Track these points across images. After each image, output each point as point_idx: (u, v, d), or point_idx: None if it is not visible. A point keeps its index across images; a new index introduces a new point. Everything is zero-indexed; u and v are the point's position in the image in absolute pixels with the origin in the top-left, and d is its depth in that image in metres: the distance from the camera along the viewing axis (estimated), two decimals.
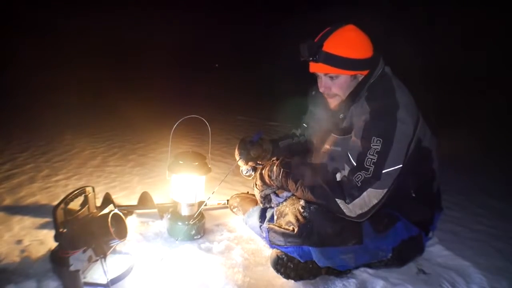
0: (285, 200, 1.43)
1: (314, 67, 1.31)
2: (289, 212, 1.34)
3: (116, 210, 1.32)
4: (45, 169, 2.33)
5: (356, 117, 1.26)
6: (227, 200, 1.88)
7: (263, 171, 1.41)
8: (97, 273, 1.23)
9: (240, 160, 1.58)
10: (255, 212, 1.65)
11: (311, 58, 1.27)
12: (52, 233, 1.19)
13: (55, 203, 1.29)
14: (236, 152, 1.61)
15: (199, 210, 1.55)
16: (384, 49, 1.37)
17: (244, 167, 1.62)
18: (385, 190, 1.15)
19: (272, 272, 1.36)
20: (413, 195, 1.37)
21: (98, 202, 1.41)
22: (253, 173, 1.59)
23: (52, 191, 2.00)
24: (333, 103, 1.37)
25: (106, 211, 1.35)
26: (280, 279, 1.33)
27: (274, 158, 1.57)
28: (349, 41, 1.25)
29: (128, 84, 6.38)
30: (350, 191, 1.15)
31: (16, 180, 2.11)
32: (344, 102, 1.34)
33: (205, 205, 1.59)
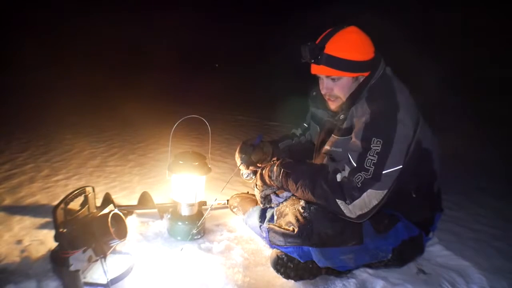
0: (285, 200, 1.43)
1: (315, 69, 1.30)
2: (289, 212, 1.34)
3: (116, 210, 1.32)
4: (45, 169, 2.33)
5: (357, 118, 1.26)
6: (227, 200, 1.88)
7: (263, 171, 1.41)
8: (97, 273, 1.23)
9: (241, 164, 1.58)
10: (255, 212, 1.65)
11: (312, 61, 1.27)
12: (52, 233, 1.19)
13: (55, 203, 1.30)
14: (237, 156, 1.61)
15: (204, 217, 1.55)
16: (384, 48, 1.38)
17: (245, 171, 1.63)
18: (385, 191, 1.15)
19: (272, 272, 1.36)
20: (414, 195, 1.37)
21: (98, 202, 1.41)
22: (253, 176, 1.59)
23: (52, 191, 1.99)
24: (334, 105, 1.37)
25: (106, 211, 1.35)
26: (280, 279, 1.33)
27: (274, 158, 1.57)
28: (351, 43, 1.25)
29: (128, 84, 6.38)
30: (350, 192, 1.15)
31: (16, 180, 2.10)
32: (344, 103, 1.34)
33: (208, 211, 1.60)
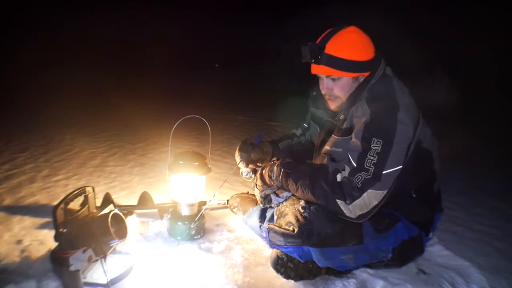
0: (285, 200, 1.43)
1: (316, 69, 1.31)
2: (289, 212, 1.34)
3: (116, 210, 1.32)
4: (45, 169, 2.33)
5: (357, 118, 1.26)
6: (227, 200, 1.88)
7: (263, 171, 1.42)
8: (97, 273, 1.23)
9: (240, 162, 1.58)
10: (255, 212, 1.65)
11: (313, 60, 1.27)
12: (52, 233, 1.19)
13: (55, 203, 1.30)
14: (237, 154, 1.61)
15: (201, 213, 1.55)
16: (384, 48, 1.38)
17: (244, 169, 1.63)
18: (385, 191, 1.15)
19: (272, 272, 1.36)
20: (414, 195, 1.37)
21: (98, 202, 1.41)
22: (253, 175, 1.59)
23: (52, 191, 1.99)
24: (334, 105, 1.37)
25: (106, 211, 1.35)
26: (280, 279, 1.34)
27: (274, 158, 1.57)
28: (351, 43, 1.25)
29: (128, 84, 6.38)
30: (350, 192, 1.15)
31: (16, 180, 2.10)
32: (344, 103, 1.34)
33: (206, 208, 1.60)
